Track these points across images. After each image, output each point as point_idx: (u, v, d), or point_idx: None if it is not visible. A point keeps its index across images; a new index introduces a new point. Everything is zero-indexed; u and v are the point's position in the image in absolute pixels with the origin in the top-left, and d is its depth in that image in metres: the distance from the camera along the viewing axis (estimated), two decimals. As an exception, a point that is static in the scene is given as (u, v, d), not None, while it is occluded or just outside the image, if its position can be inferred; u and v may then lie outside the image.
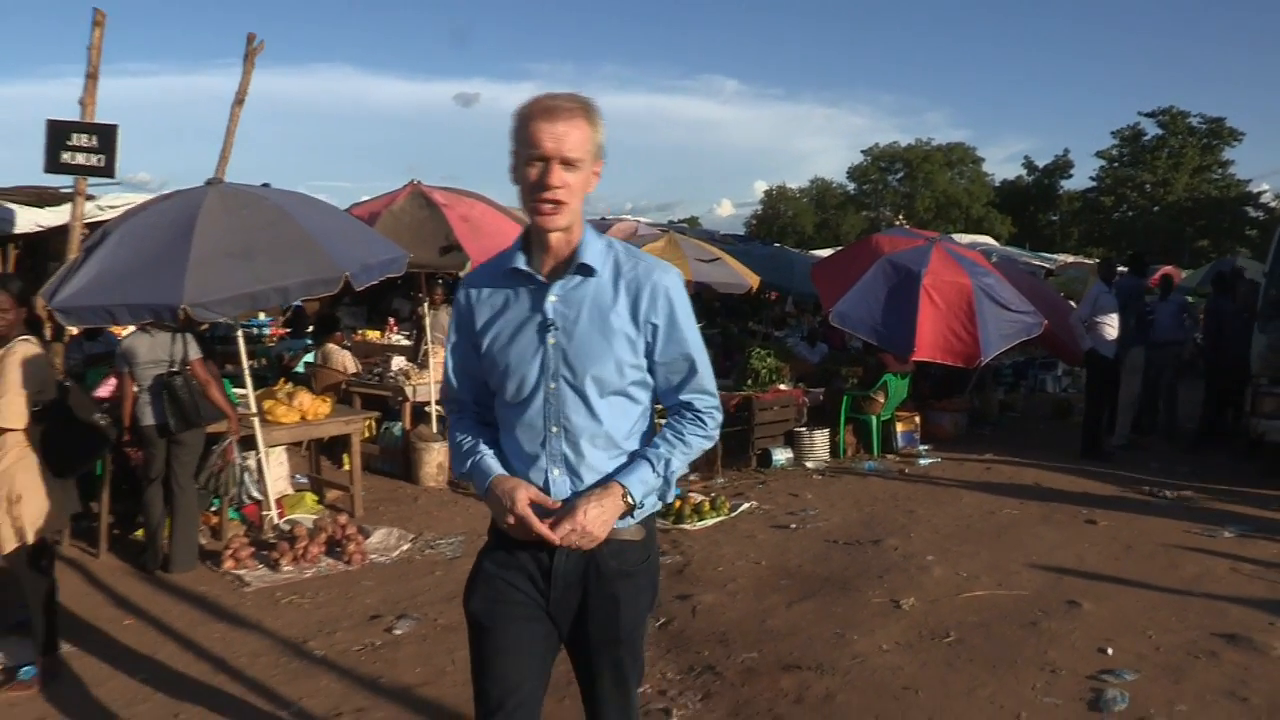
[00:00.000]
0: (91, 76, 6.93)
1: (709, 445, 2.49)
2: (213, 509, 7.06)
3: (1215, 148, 48.27)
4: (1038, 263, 23.81)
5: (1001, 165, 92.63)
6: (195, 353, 6.32)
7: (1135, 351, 10.14)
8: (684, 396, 2.44)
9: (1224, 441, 10.48)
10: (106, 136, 6.73)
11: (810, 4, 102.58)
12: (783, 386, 10.23)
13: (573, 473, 2.35)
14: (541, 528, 2.26)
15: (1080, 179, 54.18)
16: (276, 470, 7.59)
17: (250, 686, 4.59)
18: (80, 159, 6.71)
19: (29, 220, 7.84)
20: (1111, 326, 9.70)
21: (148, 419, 6.23)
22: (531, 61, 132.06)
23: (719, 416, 2.49)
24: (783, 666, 4.68)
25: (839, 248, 25.80)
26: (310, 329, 11.16)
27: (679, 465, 2.41)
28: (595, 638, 2.42)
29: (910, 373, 10.35)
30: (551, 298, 2.33)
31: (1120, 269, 11.63)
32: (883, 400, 10.10)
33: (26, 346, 4.52)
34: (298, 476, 8.38)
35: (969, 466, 9.58)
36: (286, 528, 6.96)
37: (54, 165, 6.78)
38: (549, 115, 2.21)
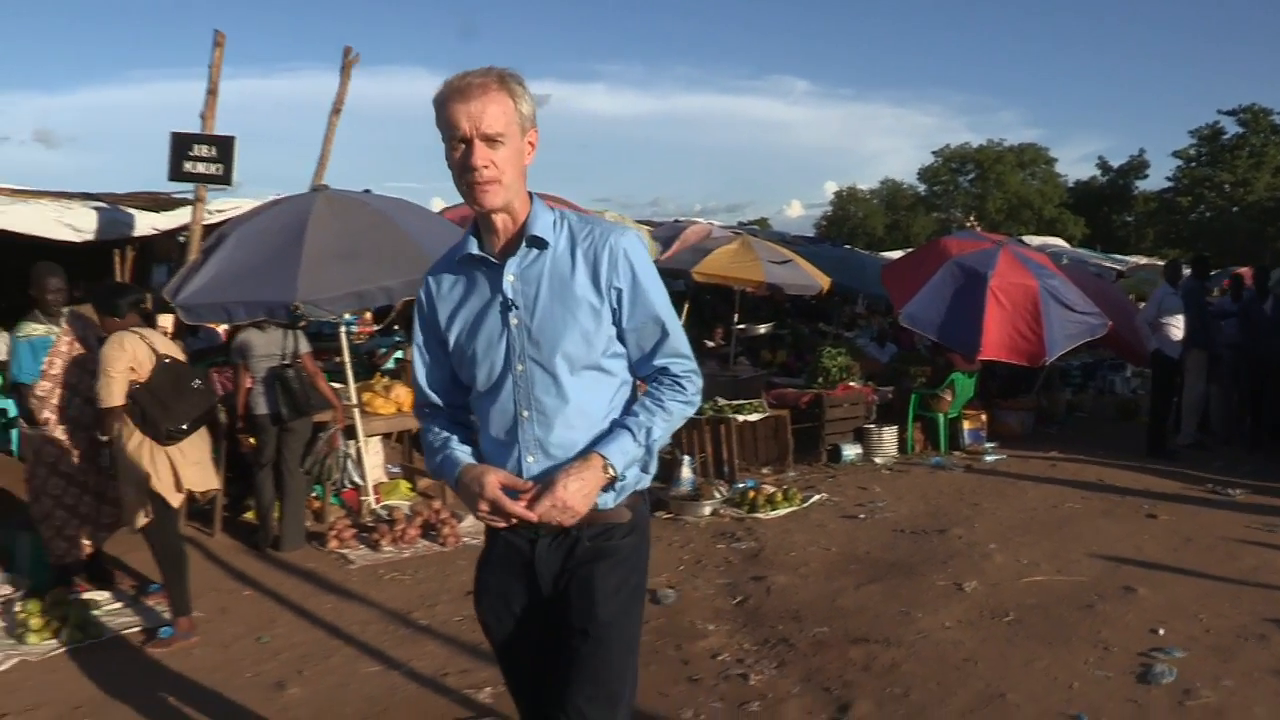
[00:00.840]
0: (212, 92, 7.52)
1: (691, 411, 2.39)
2: (314, 494, 7.58)
3: (1299, 145, 47.20)
4: (1109, 264, 23.70)
5: (1075, 165, 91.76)
6: (305, 347, 6.86)
7: (1197, 353, 10.24)
8: (659, 362, 2.35)
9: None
10: (225, 147, 7.31)
11: (880, 3, 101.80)
12: (853, 384, 10.54)
13: (548, 456, 2.27)
14: (516, 508, 2.19)
15: (1156, 179, 53.33)
16: (373, 459, 8.10)
17: (363, 650, 5.07)
18: (201, 168, 7.30)
19: (146, 224, 8.48)
20: (1176, 328, 9.86)
21: (261, 408, 6.77)
22: (601, 63, 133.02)
23: (698, 381, 2.39)
24: (851, 640, 5.04)
25: (909, 249, 25.93)
26: (397, 326, 11.69)
27: (661, 433, 2.30)
28: (567, 624, 2.29)
29: (977, 372, 10.59)
30: (509, 277, 2.27)
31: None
32: (950, 398, 10.36)
33: (129, 336, 5.12)
34: (390, 466, 8.89)
35: (1034, 463, 9.80)
36: (384, 512, 7.46)
37: (177, 174, 7.38)
38: (462, 95, 2.16)
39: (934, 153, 58.40)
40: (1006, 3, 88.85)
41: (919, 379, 10.90)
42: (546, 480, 2.21)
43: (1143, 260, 28.49)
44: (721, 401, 9.33)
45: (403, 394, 7.98)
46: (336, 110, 9.55)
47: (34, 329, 5.79)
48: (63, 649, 5.04)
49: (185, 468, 5.13)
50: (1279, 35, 76.45)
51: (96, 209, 8.14)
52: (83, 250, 8.32)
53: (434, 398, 2.45)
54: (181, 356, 5.39)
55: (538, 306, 2.25)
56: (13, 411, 8.58)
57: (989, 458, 10.03)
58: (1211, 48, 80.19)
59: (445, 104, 2.17)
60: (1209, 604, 5.55)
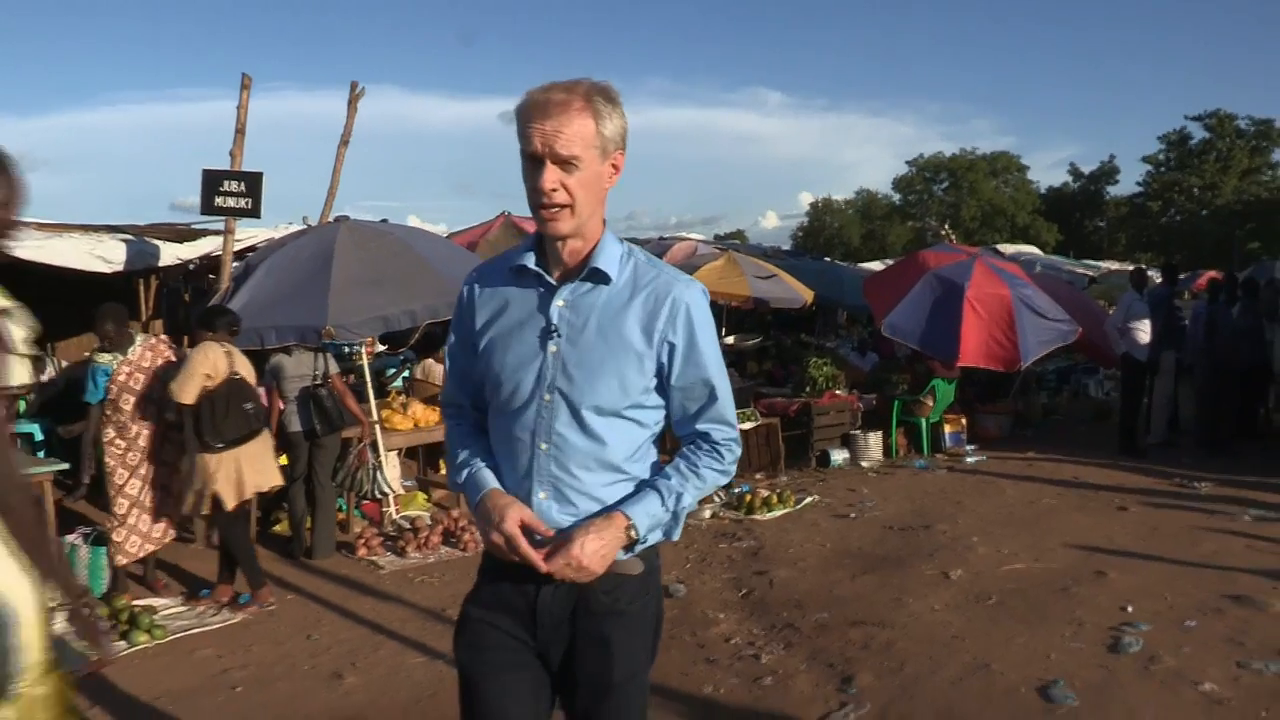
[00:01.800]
0: (239, 131, 8.01)
1: (725, 481, 2.33)
2: (337, 508, 8.06)
3: (1264, 149, 48.32)
4: (1081, 270, 24.40)
5: (1048, 171, 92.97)
6: (335, 368, 7.35)
7: (1166, 355, 10.83)
8: (701, 426, 2.24)
9: (1256, 439, 11.15)
10: (253, 183, 7.79)
11: (853, 15, 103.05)
12: (838, 392, 11.10)
13: (561, 497, 2.15)
14: (529, 551, 2.07)
15: (1126, 184, 54.31)
16: (392, 471, 8.58)
17: (406, 643, 5.55)
18: (231, 202, 7.78)
19: (171, 254, 8.95)
20: (1143, 332, 10.46)
21: (294, 425, 7.26)
22: (575, 77, 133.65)
23: (737, 450, 2.30)
24: (850, 623, 5.57)
25: (885, 259, 26.54)
26: (401, 348, 12.18)
27: (690, 500, 2.21)
28: (584, 685, 2.20)
29: (956, 378, 11.16)
30: (559, 302, 2.15)
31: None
32: (931, 404, 10.93)
33: (213, 346, 5.82)
34: (405, 480, 9.37)
35: (1012, 463, 10.37)
36: (405, 522, 7.95)
37: (209, 207, 7.88)
38: (540, 110, 2.02)
39: (908, 162, 59.46)
40: (979, 12, 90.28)
41: (901, 386, 11.47)
42: (565, 534, 2.10)
43: (1115, 265, 29.23)
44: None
45: (419, 410, 8.47)
46: (344, 141, 10.05)
47: (101, 358, 6.41)
48: (131, 649, 5.51)
49: (248, 472, 5.82)
50: (1243, 42, 77.95)
51: (124, 241, 8.61)
52: (111, 279, 8.80)
53: (461, 396, 2.36)
54: (251, 379, 6.07)
55: (581, 340, 2.12)
56: (38, 435, 9.08)
57: (969, 459, 10.60)
58: (1178, 55, 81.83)
59: (522, 116, 2.04)
60: (1173, 584, 6.10)
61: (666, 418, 2.27)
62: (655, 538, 2.23)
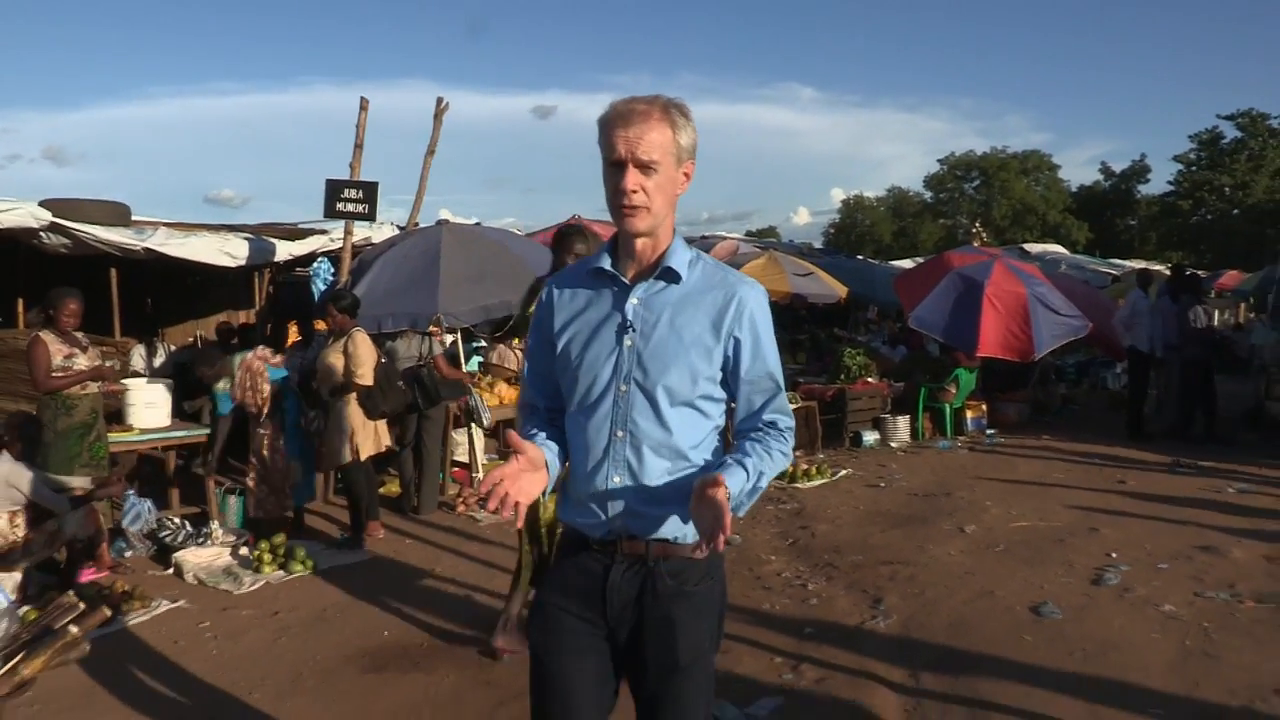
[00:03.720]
0: (358, 146, 9.24)
1: (786, 467, 2.47)
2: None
3: (1297, 149, 48.30)
4: (1105, 269, 25.30)
5: (1080, 170, 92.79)
6: (438, 350, 8.59)
7: (1170, 351, 11.85)
8: (768, 416, 2.39)
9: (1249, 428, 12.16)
10: (370, 190, 9.01)
11: (887, 10, 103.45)
12: (870, 380, 12.25)
13: (635, 479, 2.30)
14: (491, 487, 2.13)
15: (1158, 183, 54.31)
16: (479, 443, 9.81)
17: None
18: (350, 207, 9.01)
19: (285, 251, 10.24)
20: (1147, 327, 11.52)
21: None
22: (608, 73, 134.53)
23: (793, 439, 2.44)
24: (880, 563, 6.75)
25: (917, 256, 27.55)
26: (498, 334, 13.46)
27: (766, 481, 2.31)
28: (651, 664, 2.33)
29: (977, 368, 12.27)
30: (633, 300, 2.32)
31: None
32: (954, 391, 12.05)
33: (363, 334, 7.07)
34: (489, 455, 10.60)
35: (1028, 445, 11.48)
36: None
37: (331, 212, 9.12)
38: (624, 120, 2.22)
39: (939, 160, 59.73)
40: (1012, 9, 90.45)
41: (927, 375, 12.59)
42: (697, 491, 2.15)
43: (1139, 264, 30.05)
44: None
45: (503, 389, 9.70)
46: (430, 151, 11.29)
47: (219, 386, 8.12)
48: (290, 576, 6.76)
49: (381, 432, 7.16)
50: (1274, 42, 77.82)
51: (246, 239, 9.90)
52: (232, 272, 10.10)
53: (536, 398, 2.52)
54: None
55: (654, 334, 2.29)
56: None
57: (989, 441, 11.73)
58: (1209, 54, 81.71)
59: (607, 126, 2.24)
60: (1155, 538, 7.23)
61: (728, 414, 2.45)
62: (740, 507, 2.25)
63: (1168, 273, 14.24)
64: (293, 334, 11.31)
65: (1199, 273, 16.38)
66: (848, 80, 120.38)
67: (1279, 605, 5.70)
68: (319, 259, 10.99)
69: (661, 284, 2.32)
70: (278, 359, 7.76)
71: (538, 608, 2.46)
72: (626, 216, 2.24)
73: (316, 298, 12.03)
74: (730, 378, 2.36)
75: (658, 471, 2.30)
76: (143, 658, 5.28)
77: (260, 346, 7.95)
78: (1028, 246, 26.06)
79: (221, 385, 8.30)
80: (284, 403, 7.60)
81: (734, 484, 2.18)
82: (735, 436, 2.43)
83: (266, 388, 7.45)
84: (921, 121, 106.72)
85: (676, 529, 2.32)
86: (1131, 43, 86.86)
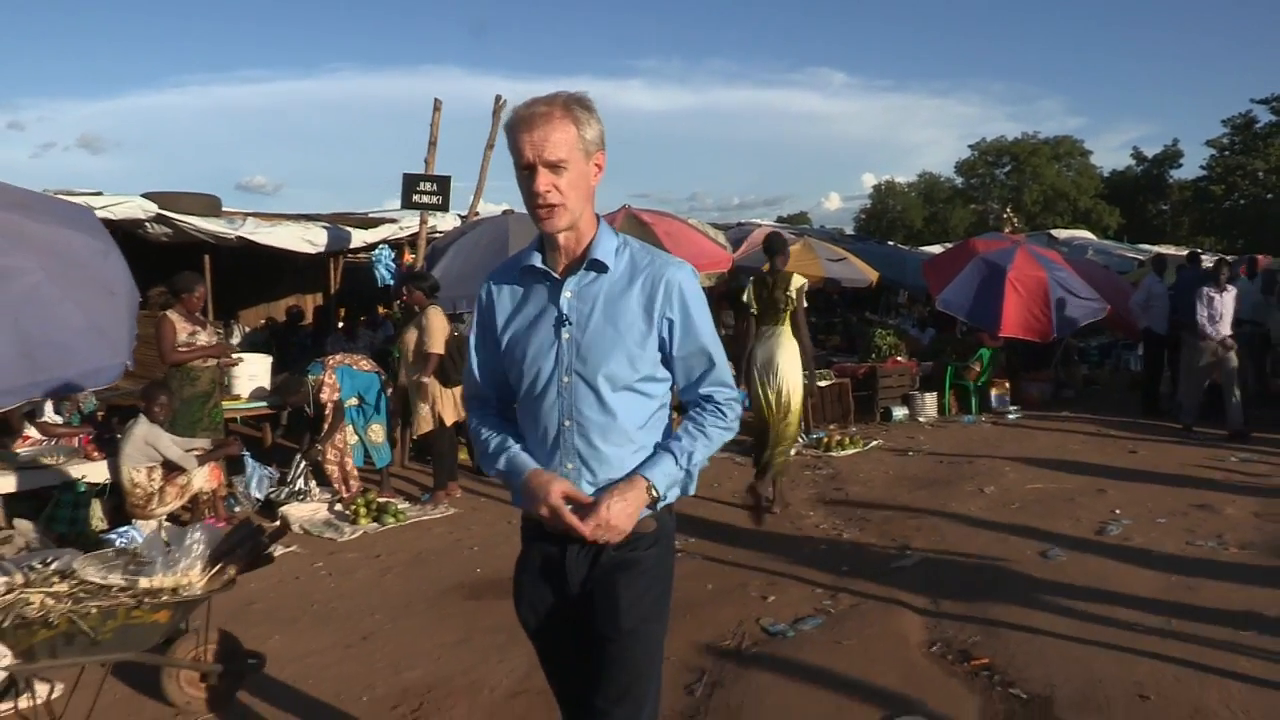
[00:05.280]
0: (432, 144, 10.08)
1: (729, 437, 2.54)
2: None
3: (1332, 134, 48.01)
4: (1132, 254, 25.80)
5: (1112, 154, 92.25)
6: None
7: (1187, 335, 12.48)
8: (704, 390, 2.49)
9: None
10: (443, 184, 9.87)
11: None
12: (900, 359, 13.04)
13: (586, 467, 2.39)
14: (572, 519, 2.30)
15: (1190, 168, 53.87)
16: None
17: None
18: (425, 199, 9.87)
19: (359, 238, 11.16)
20: (1162, 309, 12.22)
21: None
22: (636, 58, 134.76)
23: (739, 409, 2.54)
24: (908, 516, 7.58)
25: (947, 241, 28.17)
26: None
27: (701, 458, 2.45)
28: (598, 629, 2.43)
29: (1001, 348, 13.03)
30: (566, 294, 2.38)
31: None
32: (979, 369, 12.82)
33: (436, 309, 7.93)
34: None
35: (1048, 420, 12.24)
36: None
37: (407, 203, 10.00)
38: (527, 124, 2.25)
39: (970, 146, 59.64)
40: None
41: (953, 356, 13.36)
42: (594, 500, 2.34)
43: (1170, 250, 30.43)
44: (797, 372, 11.85)
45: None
46: (490, 145, 12.11)
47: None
48: (384, 528, 7.67)
49: (460, 401, 8.01)
50: (1313, 23, 77.14)
51: (324, 228, 10.82)
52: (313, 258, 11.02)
53: (487, 390, 2.60)
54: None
55: (590, 325, 2.37)
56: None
57: (1011, 416, 12.49)
58: (1244, 37, 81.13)
59: (512, 131, 2.29)
60: (1156, 498, 8.01)
61: (673, 390, 2.55)
62: (674, 494, 2.45)
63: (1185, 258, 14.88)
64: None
65: (1226, 258, 16.88)
66: (879, 65, 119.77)
67: (1260, 551, 6.48)
68: (379, 246, 11.89)
69: (591, 274, 2.40)
70: (367, 364, 8.66)
71: (518, 589, 2.61)
72: (544, 218, 2.31)
73: (379, 282, 13.01)
74: (667, 358, 2.46)
75: (607, 456, 2.40)
76: (275, 586, 6.21)
77: (341, 354, 8.84)
78: (1055, 232, 26.61)
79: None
80: (367, 395, 8.53)
81: (659, 475, 2.38)
82: (680, 411, 2.58)
83: (332, 395, 8.35)
84: (953, 106, 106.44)
85: None
86: (1165, 27, 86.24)
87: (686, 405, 2.53)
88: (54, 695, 4.21)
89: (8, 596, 3.70)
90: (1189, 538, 6.86)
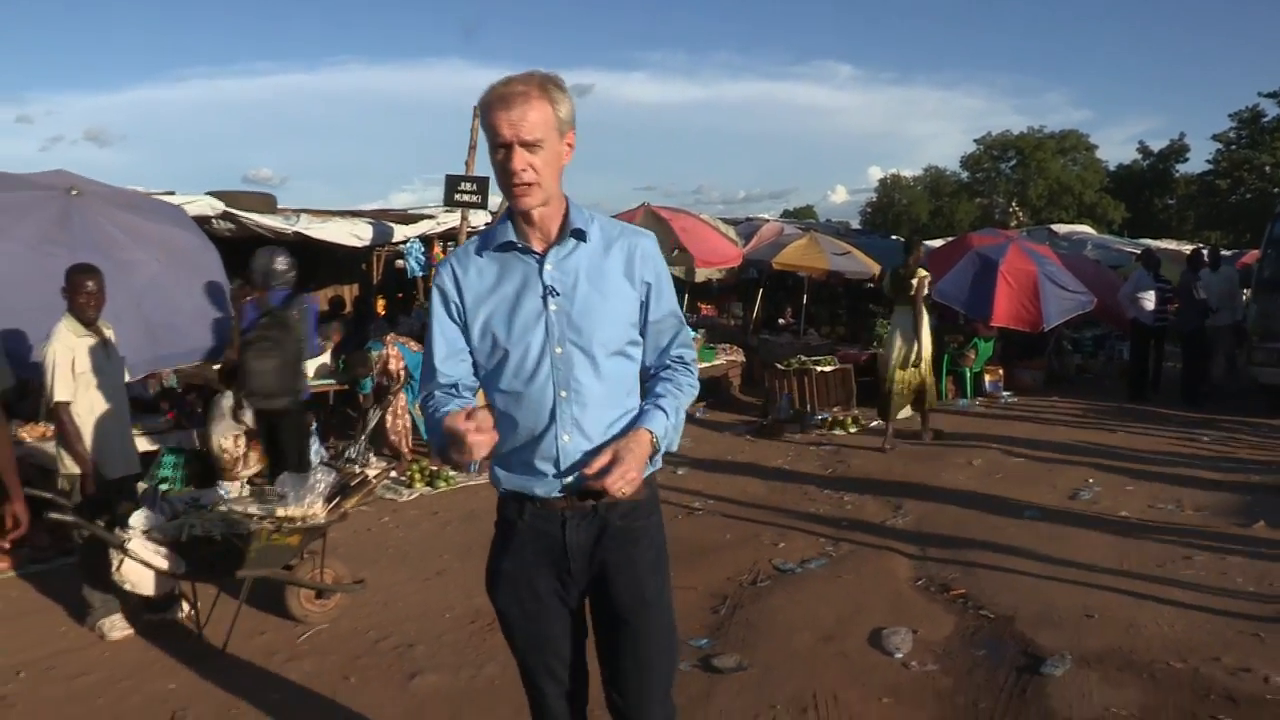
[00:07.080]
0: (472, 147, 10.96)
1: (695, 395, 2.60)
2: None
3: (1341, 127, 47.99)
4: (1130, 249, 26.57)
5: (1119, 148, 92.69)
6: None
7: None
8: (676, 351, 2.55)
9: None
10: (482, 184, 10.74)
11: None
12: (900, 346, 13.95)
13: (583, 434, 2.40)
14: (464, 426, 2.20)
15: (1196, 163, 53.61)
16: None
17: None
18: (465, 197, 10.77)
19: (401, 233, 12.08)
20: (1148, 301, 13.10)
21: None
22: (642, 50, 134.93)
23: (696, 370, 2.62)
24: (902, 485, 8.50)
25: (953, 235, 28.96)
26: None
27: (682, 414, 2.51)
28: (620, 603, 2.47)
29: (994, 337, 13.94)
30: (548, 266, 2.38)
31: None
32: (973, 357, 13.72)
33: None
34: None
35: (1038, 405, 13.14)
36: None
37: (450, 201, 10.90)
38: (503, 102, 2.25)
39: (976, 140, 59.85)
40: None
41: (951, 345, 14.26)
42: (590, 458, 2.35)
43: (1174, 245, 31.10)
44: (804, 358, 12.79)
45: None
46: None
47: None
48: (438, 491, 8.62)
49: None
50: (1320, 19, 77.44)
51: (370, 223, 11.74)
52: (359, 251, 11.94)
53: (446, 376, 2.52)
54: None
55: (577, 294, 2.39)
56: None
57: (1004, 401, 13.40)
58: (1251, 31, 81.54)
59: (488, 110, 2.28)
60: (1127, 469, 8.92)
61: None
62: (665, 445, 2.45)
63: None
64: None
65: (1224, 251, 17.53)
66: (884, 58, 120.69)
67: (1212, 513, 7.39)
68: (410, 240, 12.78)
69: (572, 243, 2.41)
70: (414, 345, 9.57)
71: (498, 577, 2.56)
72: (520, 196, 2.31)
73: (409, 274, 13.97)
74: (641, 320, 2.50)
75: (603, 423, 2.43)
76: (352, 536, 7.16)
77: (391, 334, 9.76)
78: (1056, 227, 27.34)
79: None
80: (416, 373, 9.41)
81: (658, 427, 2.41)
82: (648, 373, 2.58)
83: (398, 364, 9.31)
84: (959, 99, 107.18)
85: None
86: (1172, 20, 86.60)
87: (654, 370, 2.58)
88: (186, 614, 5.18)
89: (176, 520, 4.66)
90: (1151, 501, 7.78)
